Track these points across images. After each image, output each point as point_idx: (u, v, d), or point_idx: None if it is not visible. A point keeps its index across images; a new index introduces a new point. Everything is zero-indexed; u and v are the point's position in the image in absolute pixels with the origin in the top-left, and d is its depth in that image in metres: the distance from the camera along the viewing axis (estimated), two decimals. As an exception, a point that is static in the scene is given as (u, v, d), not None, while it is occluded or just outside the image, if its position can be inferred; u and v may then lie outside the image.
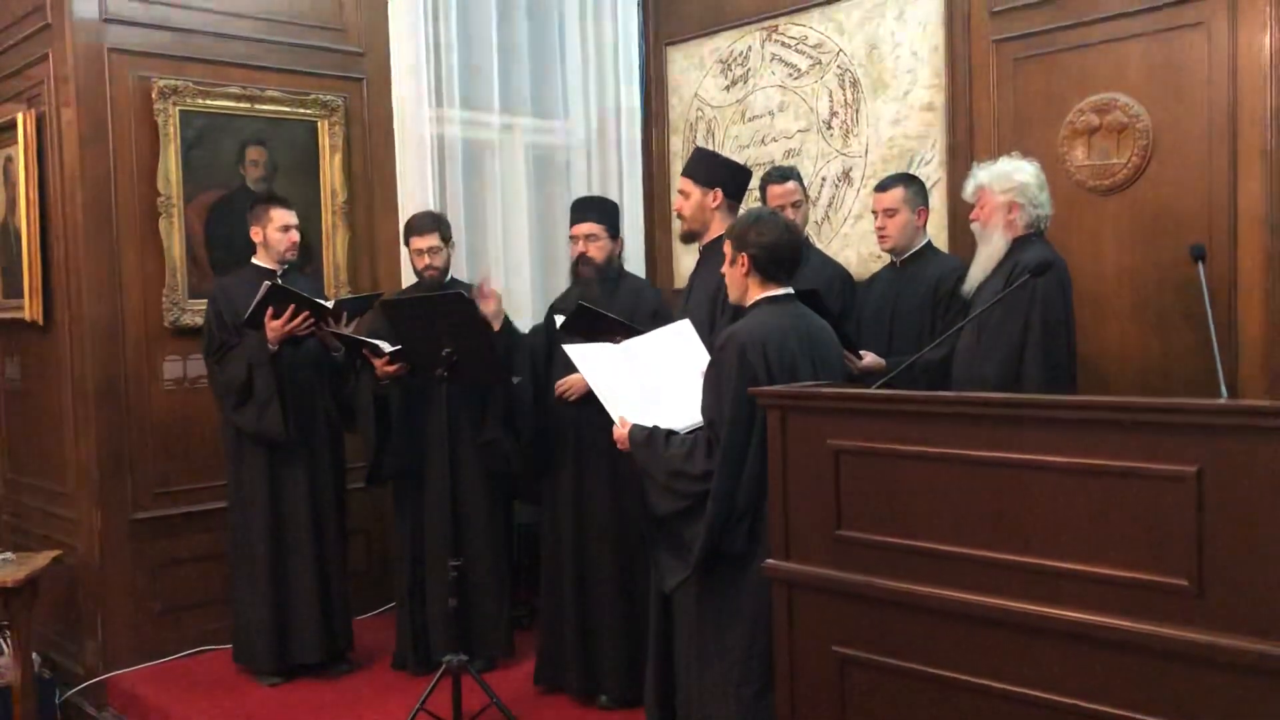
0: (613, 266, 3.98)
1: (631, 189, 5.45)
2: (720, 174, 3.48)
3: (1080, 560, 2.06)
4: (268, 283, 3.94)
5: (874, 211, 3.89)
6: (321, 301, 4.02)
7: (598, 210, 4.01)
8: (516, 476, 4.30)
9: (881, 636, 2.38)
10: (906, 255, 3.85)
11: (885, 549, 2.36)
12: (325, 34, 4.92)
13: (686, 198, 3.49)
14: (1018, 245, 3.30)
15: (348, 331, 4.09)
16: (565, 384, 3.80)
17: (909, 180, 3.88)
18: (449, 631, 3.71)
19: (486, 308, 3.88)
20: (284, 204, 4.26)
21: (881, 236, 3.85)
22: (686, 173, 3.53)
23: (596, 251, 3.92)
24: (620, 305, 3.82)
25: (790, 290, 2.93)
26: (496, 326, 3.92)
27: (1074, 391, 3.18)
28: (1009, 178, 3.32)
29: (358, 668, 4.30)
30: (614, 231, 4.00)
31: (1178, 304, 3.78)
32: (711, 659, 2.89)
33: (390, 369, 3.98)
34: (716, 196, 3.44)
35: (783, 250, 2.89)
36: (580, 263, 3.94)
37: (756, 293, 2.92)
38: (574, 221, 3.99)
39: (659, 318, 3.77)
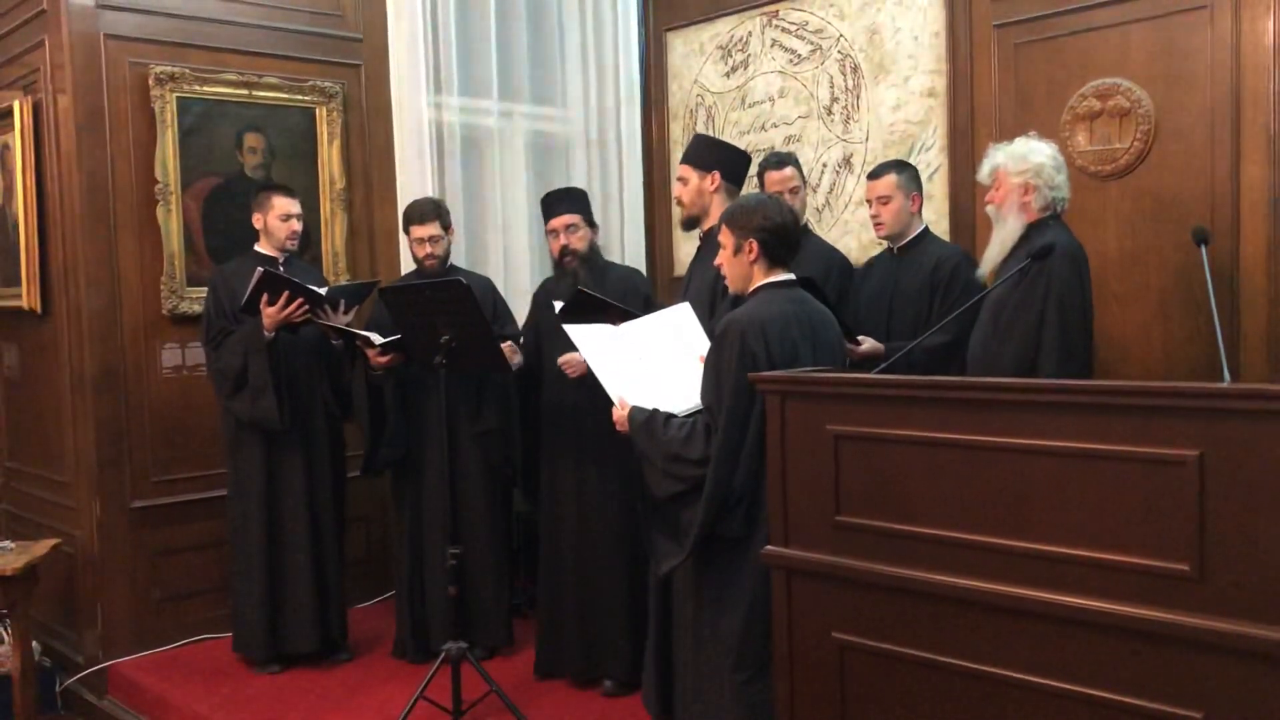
0: (596, 254, 3.98)
1: (631, 176, 5.43)
2: (716, 157, 3.47)
3: (1081, 545, 2.05)
4: (260, 269, 3.93)
5: (867, 200, 3.87)
6: (314, 289, 4.00)
7: (571, 200, 4.00)
8: (514, 465, 4.30)
9: (881, 623, 2.37)
10: (904, 242, 3.83)
11: (885, 535, 2.35)
12: (323, 20, 4.90)
13: (685, 184, 3.49)
14: (1035, 228, 3.22)
15: (342, 323, 4.07)
16: (568, 360, 3.75)
17: (901, 166, 3.86)
18: (448, 620, 3.71)
19: (514, 361, 3.95)
20: (288, 193, 4.24)
21: (877, 224, 3.84)
22: (685, 159, 3.53)
23: (579, 241, 3.92)
24: (610, 292, 3.80)
25: (792, 276, 2.91)
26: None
27: (1088, 379, 3.15)
28: (1025, 159, 3.24)
29: (357, 656, 4.30)
30: (590, 219, 3.99)
31: (1179, 289, 3.77)
32: (707, 644, 2.89)
33: (383, 360, 3.97)
34: (714, 179, 3.42)
35: (789, 232, 2.87)
36: (564, 255, 3.93)
37: (760, 279, 2.89)
38: (549, 216, 3.98)
39: (650, 305, 3.76)
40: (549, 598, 4.01)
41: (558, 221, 3.94)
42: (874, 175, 3.84)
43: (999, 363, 3.17)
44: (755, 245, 2.86)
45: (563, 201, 3.99)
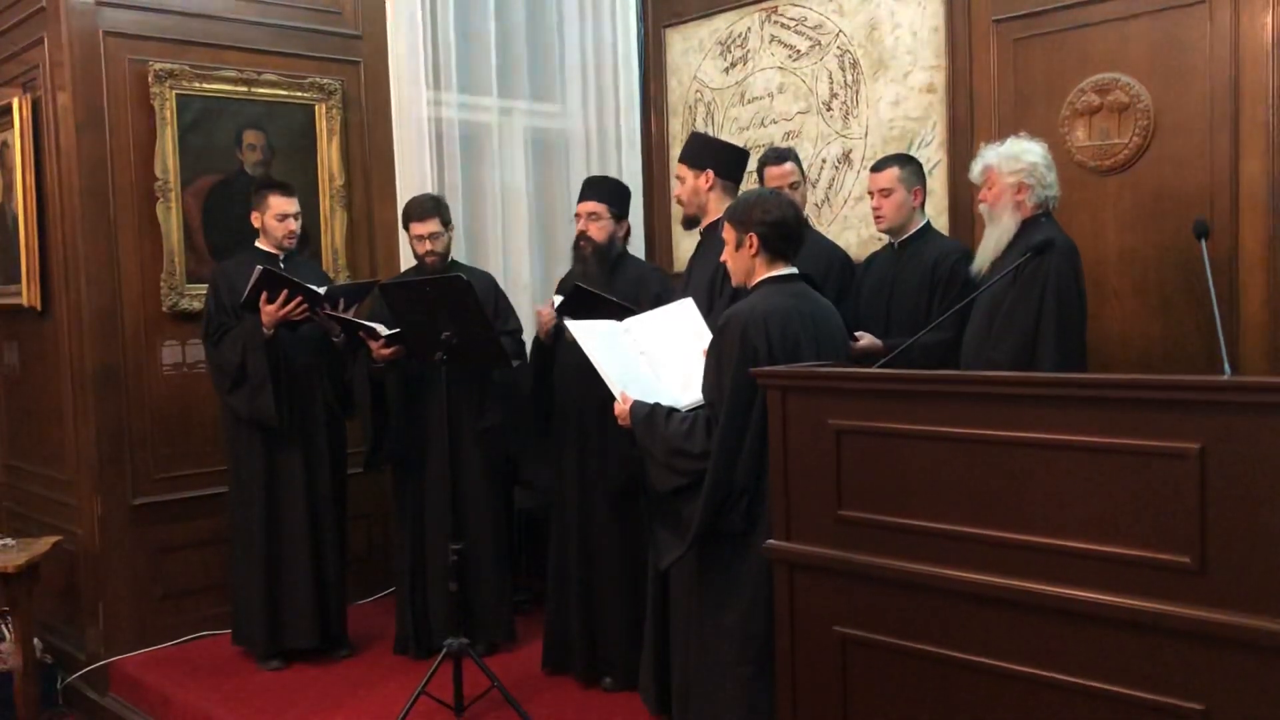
0: (614, 247, 3.94)
1: (630, 172, 5.42)
2: (711, 155, 3.47)
3: (1082, 538, 2.05)
4: (259, 267, 3.93)
5: (869, 192, 3.88)
6: (313, 288, 4.00)
7: (601, 189, 3.98)
8: (516, 461, 4.30)
9: (883, 616, 2.38)
10: (905, 237, 3.84)
11: (887, 529, 2.35)
12: (322, 17, 4.90)
13: (682, 182, 3.49)
14: (1027, 226, 3.28)
15: (346, 315, 4.07)
16: (541, 313, 3.76)
17: (904, 160, 3.87)
18: (450, 615, 3.72)
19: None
20: (285, 191, 4.23)
21: (877, 217, 3.84)
22: (681, 158, 3.54)
23: (597, 231, 3.89)
24: (621, 288, 3.80)
25: (794, 270, 2.92)
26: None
27: (1084, 373, 3.17)
28: (1018, 159, 3.29)
29: (358, 652, 4.31)
30: (618, 212, 3.95)
31: (1179, 284, 3.78)
32: (709, 639, 2.89)
33: (386, 352, 3.97)
34: (709, 178, 3.43)
35: (788, 226, 2.88)
36: (580, 240, 3.92)
37: (762, 273, 2.90)
38: (579, 200, 3.97)
39: (661, 302, 3.75)
40: (556, 591, 4.01)
41: (582, 207, 3.93)
42: (877, 168, 3.85)
43: (995, 358, 3.19)
44: (755, 239, 2.87)
45: (593, 188, 3.98)
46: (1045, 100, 4.08)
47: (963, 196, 4.32)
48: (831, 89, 4.80)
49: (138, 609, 4.42)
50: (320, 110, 4.86)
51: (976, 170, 3.41)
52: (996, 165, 3.33)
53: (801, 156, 4.30)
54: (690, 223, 3.57)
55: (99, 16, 4.29)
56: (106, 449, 4.34)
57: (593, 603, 3.90)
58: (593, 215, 3.90)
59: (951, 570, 2.24)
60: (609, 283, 3.80)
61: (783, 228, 2.86)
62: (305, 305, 3.98)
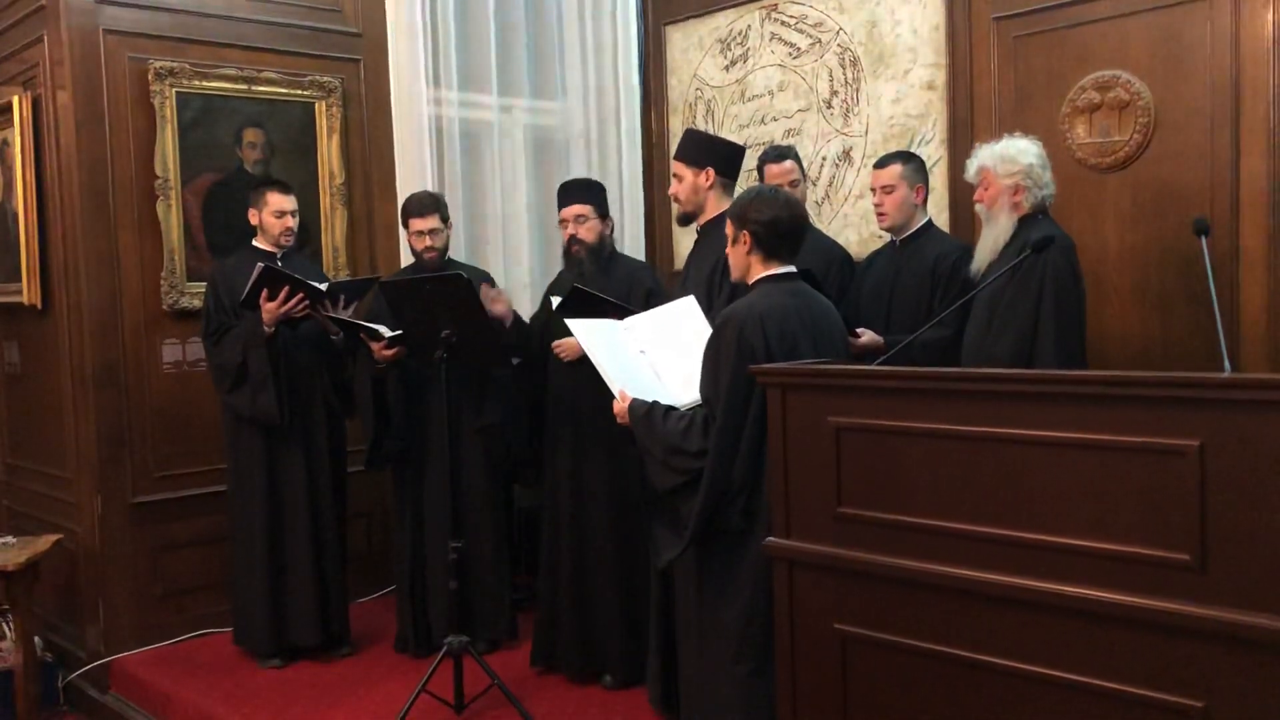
0: (605, 247, 3.96)
1: (631, 170, 5.42)
2: (710, 153, 3.47)
3: (1082, 536, 2.05)
4: (261, 265, 3.93)
5: (872, 189, 3.87)
6: (314, 284, 4.00)
7: (584, 191, 3.99)
8: (516, 459, 4.30)
9: (883, 614, 2.38)
10: (906, 234, 3.83)
11: (886, 526, 2.35)
12: (322, 15, 4.90)
13: (680, 180, 3.48)
14: (1025, 225, 3.29)
15: (346, 315, 4.07)
16: (561, 345, 3.76)
17: (907, 157, 3.86)
18: (450, 613, 3.72)
19: (496, 310, 3.89)
20: (282, 188, 4.23)
21: (880, 214, 3.84)
22: (678, 155, 3.52)
23: (587, 232, 3.91)
24: (615, 286, 3.80)
25: (793, 269, 2.92)
26: (508, 325, 3.95)
27: (1084, 369, 3.17)
28: (1013, 160, 3.29)
29: (359, 650, 4.31)
30: (602, 211, 3.98)
31: (1179, 282, 3.77)
32: (709, 637, 2.89)
33: (388, 353, 3.97)
34: (709, 176, 3.42)
35: (784, 226, 2.87)
36: (572, 244, 3.93)
37: (759, 271, 2.90)
38: (561, 205, 3.98)
39: (653, 299, 3.75)
40: (548, 589, 4.01)
41: (567, 211, 3.94)
42: (880, 165, 3.85)
43: (995, 353, 3.19)
44: (748, 237, 2.87)
45: (575, 192, 3.99)
46: (1046, 97, 4.07)
47: (963, 194, 4.30)
48: (832, 86, 4.79)
49: (138, 607, 4.42)
50: (320, 108, 4.86)
51: (972, 170, 3.41)
52: (992, 167, 3.33)
53: (802, 154, 4.30)
54: (686, 219, 3.57)
55: (99, 15, 4.29)
56: (106, 447, 4.34)
57: (587, 600, 3.89)
58: (580, 218, 3.91)
59: (951, 568, 2.24)
60: (604, 282, 3.80)
61: (777, 226, 2.86)
62: (306, 302, 3.97)
